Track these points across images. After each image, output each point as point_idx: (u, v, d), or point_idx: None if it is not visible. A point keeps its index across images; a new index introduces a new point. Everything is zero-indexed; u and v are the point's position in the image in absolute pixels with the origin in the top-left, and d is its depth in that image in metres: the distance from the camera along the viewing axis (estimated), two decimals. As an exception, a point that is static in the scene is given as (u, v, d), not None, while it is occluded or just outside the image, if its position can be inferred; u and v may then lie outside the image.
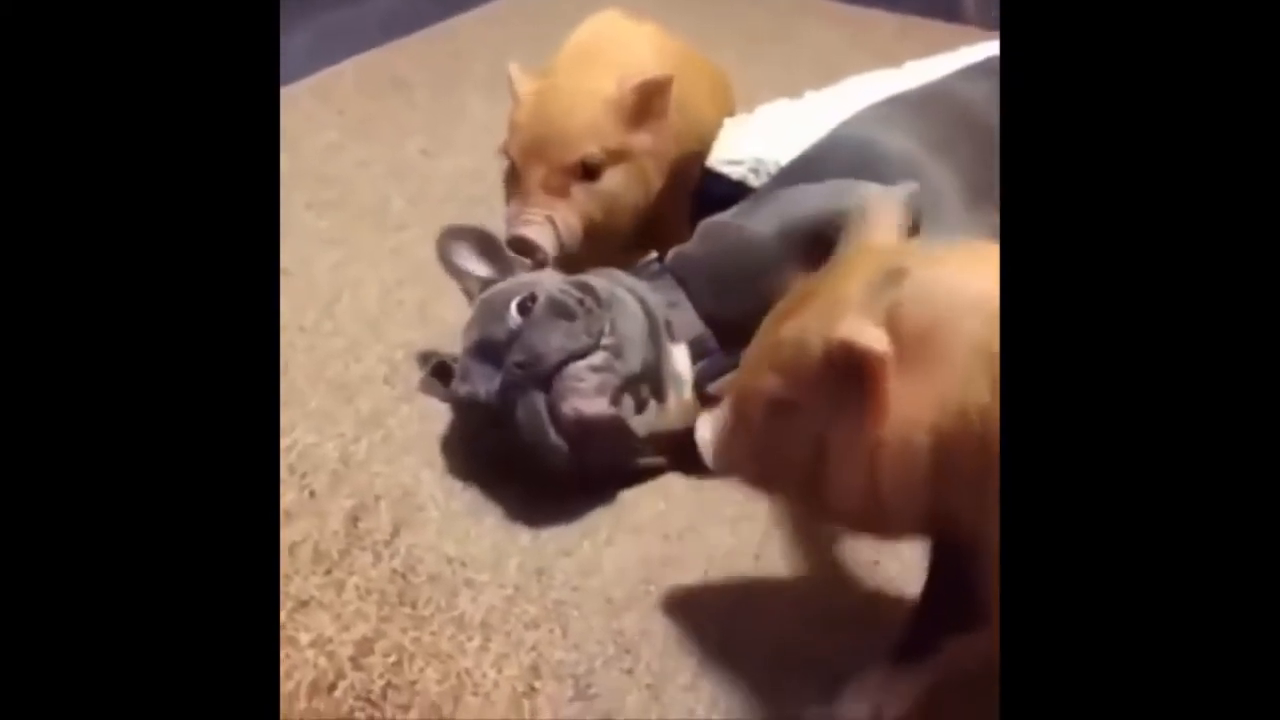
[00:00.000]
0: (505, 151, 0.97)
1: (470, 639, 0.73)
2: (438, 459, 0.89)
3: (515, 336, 0.82)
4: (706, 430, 0.66)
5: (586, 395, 0.79)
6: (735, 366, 0.65)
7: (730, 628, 0.74)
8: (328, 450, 0.89)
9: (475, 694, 0.70)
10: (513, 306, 0.84)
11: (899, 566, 0.76)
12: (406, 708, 0.69)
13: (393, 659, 0.72)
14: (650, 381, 0.84)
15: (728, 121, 1.10)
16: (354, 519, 0.83)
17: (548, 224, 0.94)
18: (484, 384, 0.83)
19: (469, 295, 0.93)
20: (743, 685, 0.70)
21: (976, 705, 0.59)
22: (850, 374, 0.53)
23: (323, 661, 0.71)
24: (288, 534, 0.80)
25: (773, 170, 0.99)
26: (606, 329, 0.83)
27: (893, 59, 1.24)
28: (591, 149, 0.93)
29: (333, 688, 0.70)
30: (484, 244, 0.94)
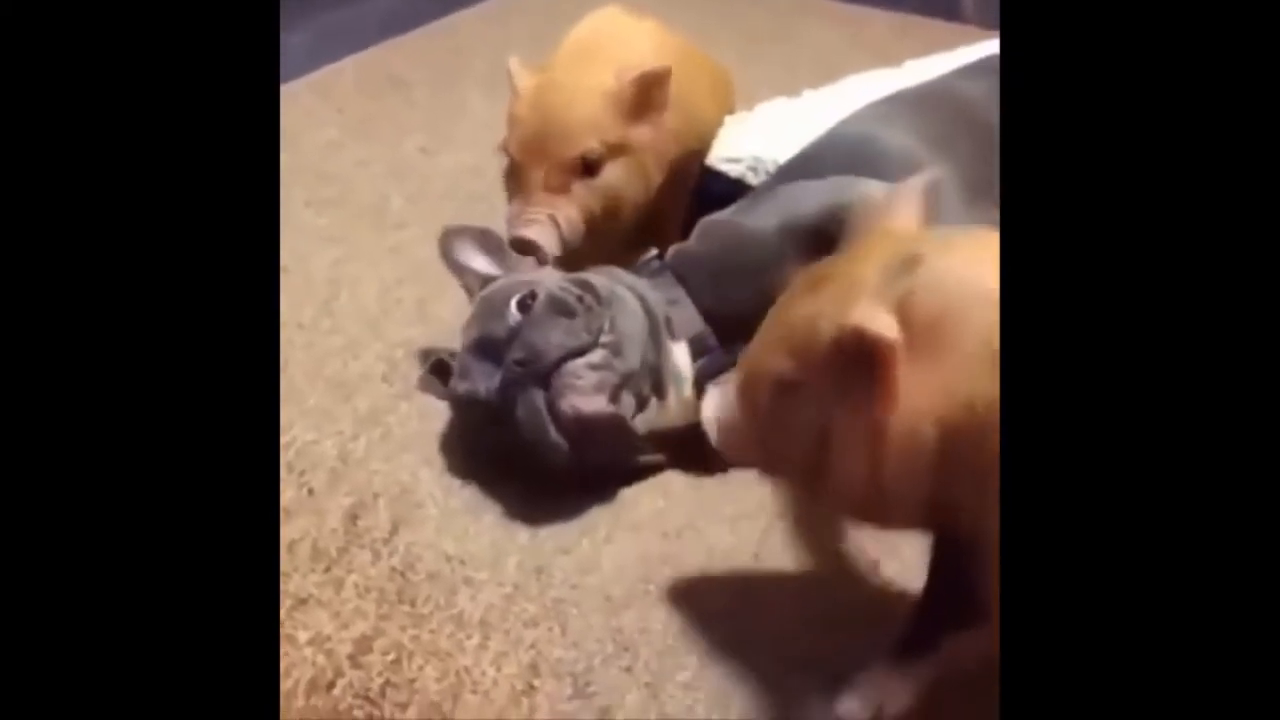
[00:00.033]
0: (505, 148, 0.97)
1: (469, 637, 0.73)
2: (436, 457, 0.89)
3: (515, 334, 0.82)
4: (712, 409, 0.65)
5: (586, 393, 0.79)
6: (735, 364, 0.65)
7: (729, 626, 0.74)
8: (326, 448, 0.89)
9: (474, 692, 0.70)
10: (512, 304, 0.84)
11: (899, 565, 0.76)
12: (405, 706, 0.69)
13: (391, 657, 0.72)
14: (650, 379, 0.84)
15: (727, 120, 1.10)
16: (353, 517, 0.83)
17: (550, 223, 0.93)
18: (483, 382, 0.83)
19: (469, 292, 0.92)
20: (742, 683, 0.70)
21: (977, 702, 0.59)
22: (860, 360, 0.52)
23: (321, 659, 0.71)
24: (286, 532, 0.80)
25: (771, 168, 0.99)
26: (606, 326, 0.82)
27: (892, 58, 1.24)
28: (591, 144, 0.93)
29: (331, 686, 0.70)
30: (486, 242, 0.94)
